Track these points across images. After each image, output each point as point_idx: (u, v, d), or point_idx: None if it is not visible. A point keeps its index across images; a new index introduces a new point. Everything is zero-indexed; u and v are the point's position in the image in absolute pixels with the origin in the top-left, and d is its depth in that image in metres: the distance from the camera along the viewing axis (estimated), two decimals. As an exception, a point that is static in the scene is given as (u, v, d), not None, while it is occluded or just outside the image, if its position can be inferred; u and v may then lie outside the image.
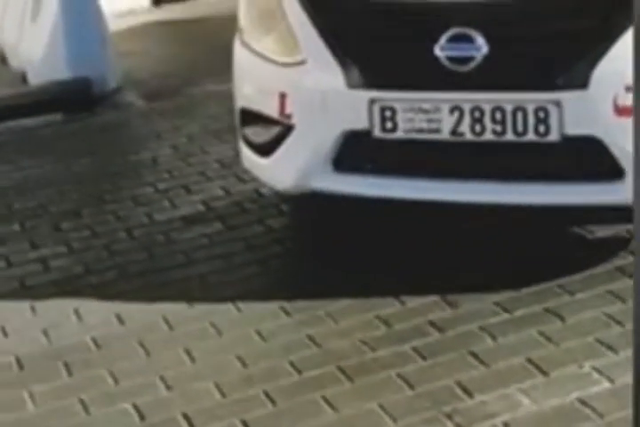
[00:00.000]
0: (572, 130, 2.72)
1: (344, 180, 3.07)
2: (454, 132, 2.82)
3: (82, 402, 2.63)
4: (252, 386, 2.63)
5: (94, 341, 2.92)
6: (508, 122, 2.76)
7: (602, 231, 3.25)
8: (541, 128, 2.74)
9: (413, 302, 2.96)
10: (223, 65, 5.88)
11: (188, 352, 2.82)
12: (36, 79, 5.49)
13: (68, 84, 5.03)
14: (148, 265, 3.38)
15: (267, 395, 2.59)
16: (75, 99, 5.05)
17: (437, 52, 2.79)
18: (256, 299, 3.08)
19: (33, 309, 3.16)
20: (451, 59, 2.79)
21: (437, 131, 2.83)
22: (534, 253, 3.18)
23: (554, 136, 2.74)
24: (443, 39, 2.79)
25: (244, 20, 3.34)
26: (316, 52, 2.99)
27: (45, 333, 3.00)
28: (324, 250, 3.41)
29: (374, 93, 2.88)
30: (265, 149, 3.22)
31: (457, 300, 2.96)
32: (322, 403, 2.53)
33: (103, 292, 3.23)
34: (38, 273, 3.40)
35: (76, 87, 5.04)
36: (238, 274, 3.29)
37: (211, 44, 6.44)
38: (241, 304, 3.05)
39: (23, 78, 5.75)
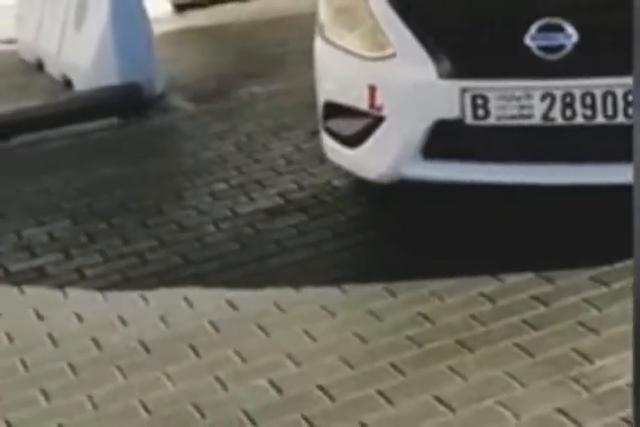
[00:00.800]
0: (664, 112, 2.92)
1: (434, 167, 3.24)
2: (546, 117, 2.99)
3: (218, 380, 2.80)
4: (377, 359, 2.80)
5: (212, 324, 3.08)
6: (597, 106, 2.94)
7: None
8: (630, 111, 2.92)
9: (511, 279, 3.13)
10: (261, 68, 6.15)
11: (307, 332, 2.98)
12: (82, 85, 5.62)
13: (121, 88, 5.18)
14: (243, 255, 3.54)
15: (394, 367, 2.75)
16: (128, 103, 5.20)
17: (528, 41, 2.96)
18: (359, 282, 3.25)
19: (144, 298, 3.31)
20: (541, 48, 2.96)
21: (529, 117, 3.01)
22: (619, 230, 3.36)
23: (644, 118, 2.93)
24: (533, 29, 2.96)
25: (325, 17, 3.51)
26: (405, 46, 3.16)
27: (163, 319, 3.15)
28: (410, 236, 3.54)
29: (466, 83, 3.05)
30: (353, 141, 3.39)
31: (553, 276, 3.15)
32: (449, 372, 2.69)
33: (207, 281, 3.38)
34: (137, 266, 3.55)
35: (129, 92, 5.19)
36: (332, 260, 3.45)
37: (240, 49, 6.63)
38: (346, 287, 3.21)
39: (66, 85, 5.90)
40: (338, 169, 4.17)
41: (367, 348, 2.86)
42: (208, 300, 3.24)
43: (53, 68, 6.17)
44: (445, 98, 3.07)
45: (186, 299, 3.26)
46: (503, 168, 3.11)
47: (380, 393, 2.64)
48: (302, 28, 7.02)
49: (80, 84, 5.67)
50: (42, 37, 6.33)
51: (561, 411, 2.48)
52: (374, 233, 3.63)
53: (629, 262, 3.14)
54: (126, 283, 3.44)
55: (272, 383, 2.74)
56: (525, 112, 3.00)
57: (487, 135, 3.09)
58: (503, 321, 2.90)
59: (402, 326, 2.95)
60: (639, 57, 1.82)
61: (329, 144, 3.54)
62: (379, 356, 2.80)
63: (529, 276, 3.14)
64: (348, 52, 3.33)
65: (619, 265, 3.11)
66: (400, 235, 3.59)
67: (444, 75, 3.07)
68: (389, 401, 2.60)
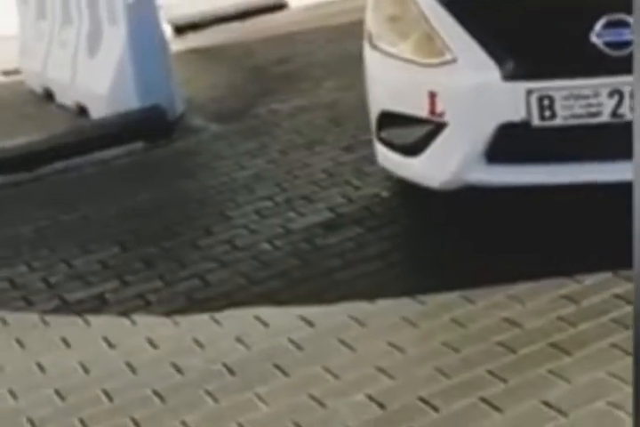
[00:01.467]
0: None
1: (499, 171, 3.20)
2: (615, 114, 2.97)
3: (313, 398, 2.74)
4: (472, 367, 2.75)
5: (292, 342, 3.02)
6: (668, 100, 2.93)
7: None
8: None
9: (589, 279, 3.12)
10: (272, 85, 6.12)
11: (392, 344, 2.92)
12: (99, 112, 5.56)
13: (144, 112, 5.12)
14: (307, 271, 3.49)
15: (492, 374, 2.70)
16: (152, 127, 5.14)
17: (594, 38, 2.95)
18: (433, 291, 3.20)
19: (215, 320, 3.24)
20: (608, 44, 2.94)
21: (597, 114, 2.99)
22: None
23: None
24: (598, 26, 2.95)
25: (374, 26, 3.47)
26: (466, 50, 3.13)
27: (240, 340, 3.09)
28: (474, 240, 3.49)
29: (531, 84, 3.02)
30: (413, 149, 3.34)
31: (630, 274, 3.12)
32: (551, 376, 2.64)
33: (275, 299, 3.32)
34: (201, 288, 3.49)
35: (152, 115, 5.13)
36: (399, 271, 3.42)
37: (246, 68, 6.59)
38: (421, 297, 3.17)
39: (80, 113, 5.84)
40: (383, 180, 4.17)
41: (460, 356, 2.81)
42: (281, 318, 3.19)
43: (65, 97, 6.10)
44: (511, 100, 3.03)
45: (258, 318, 3.20)
46: (570, 168, 3.09)
47: (485, 401, 2.60)
48: (301, 45, 7.06)
49: (96, 111, 5.60)
50: (50, 66, 6.26)
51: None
52: (433, 242, 3.58)
53: None
54: (193, 306, 3.38)
55: (371, 398, 2.69)
56: (593, 110, 2.97)
57: (554, 136, 3.06)
58: (592, 322, 2.88)
59: (489, 333, 2.91)
60: (639, 58, 1.87)
61: (385, 154, 3.50)
62: (474, 364, 2.76)
63: (606, 276, 3.12)
64: (402, 59, 3.29)
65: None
66: (461, 241, 3.54)
67: (508, 77, 3.04)
68: (496, 408, 2.57)
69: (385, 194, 4.06)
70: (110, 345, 3.21)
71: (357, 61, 6.24)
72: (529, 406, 2.55)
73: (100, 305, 3.49)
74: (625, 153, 3.13)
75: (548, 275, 3.14)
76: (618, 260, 3.15)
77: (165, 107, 5.28)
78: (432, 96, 3.16)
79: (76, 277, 3.73)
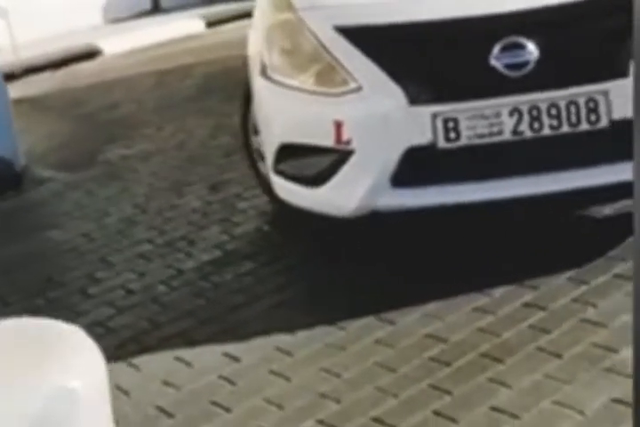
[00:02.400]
0: (619, 115, 3.13)
1: (408, 194, 3.28)
2: (515, 132, 3.13)
3: None
4: (413, 384, 2.80)
5: (224, 378, 2.96)
6: (562, 116, 3.12)
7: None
8: (592, 117, 3.13)
9: (498, 292, 3.22)
10: (110, 132, 6.03)
11: (328, 370, 2.94)
12: None
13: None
14: (214, 309, 3.44)
15: (434, 387, 2.77)
16: (1, 178, 4.97)
17: (493, 61, 3.11)
18: (350, 316, 3.23)
19: (133, 366, 3.14)
20: (506, 66, 3.11)
21: (499, 133, 3.14)
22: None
23: (604, 123, 3.13)
24: (496, 49, 3.11)
25: (269, 58, 3.49)
26: (371, 78, 3.21)
27: (167, 383, 2.99)
28: (370, 266, 3.55)
29: (437, 107, 3.15)
30: (317, 179, 3.39)
31: (534, 284, 3.26)
32: (493, 384, 2.74)
33: (190, 339, 3.25)
34: (104, 335, 3.36)
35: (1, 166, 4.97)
36: (305, 301, 3.42)
37: (76, 116, 6.48)
38: (341, 323, 3.18)
39: None
40: (259, 215, 4.21)
41: (397, 375, 2.86)
42: (204, 356, 3.14)
43: None
44: (417, 124, 3.14)
45: (179, 359, 3.15)
46: (476, 186, 3.21)
47: (438, 413, 2.65)
48: (125, 92, 7.00)
49: None
50: None
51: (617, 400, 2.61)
52: (333, 269, 3.62)
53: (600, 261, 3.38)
54: (104, 354, 3.28)
55: (323, 423, 2.69)
56: (495, 129, 3.13)
57: (459, 156, 3.18)
58: (512, 330, 3.01)
59: (418, 350, 3.00)
60: (639, 59, 1.90)
61: (284, 186, 3.52)
62: (414, 380, 2.81)
63: (512, 287, 3.27)
64: (303, 90, 3.34)
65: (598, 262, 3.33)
66: (361, 267, 3.59)
67: (414, 101, 3.15)
68: (451, 419, 2.62)
69: (266, 228, 4.10)
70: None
71: (190, 105, 6.37)
72: (481, 414, 2.64)
73: None
74: (525, 169, 3.32)
75: (458, 291, 3.28)
76: (520, 272, 3.35)
77: (9, 158, 5.12)
78: (338, 125, 3.22)
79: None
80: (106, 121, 6.20)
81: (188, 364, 3.12)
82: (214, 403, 2.88)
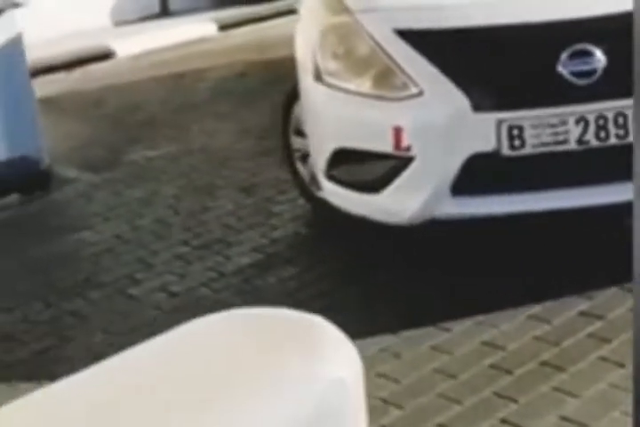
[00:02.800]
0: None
1: (468, 202, 3.26)
2: (580, 141, 3.12)
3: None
4: (477, 392, 2.80)
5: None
6: (629, 125, 3.09)
7: None
8: (657, 127, 3.12)
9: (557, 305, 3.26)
10: (134, 133, 5.98)
11: (384, 375, 2.93)
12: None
13: (16, 162, 4.88)
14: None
15: (498, 395, 2.77)
16: (26, 178, 4.91)
17: (560, 68, 3.10)
18: (406, 324, 3.25)
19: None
20: (573, 74, 3.10)
21: (564, 142, 3.13)
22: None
23: (671, 132, 3.13)
24: (563, 56, 3.10)
25: (323, 61, 3.44)
26: (433, 83, 3.19)
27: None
28: (416, 270, 3.56)
29: (502, 114, 3.12)
30: (374, 186, 3.34)
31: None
32: (558, 394, 2.74)
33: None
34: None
35: (25, 166, 4.91)
36: (353, 308, 3.43)
37: (97, 117, 6.37)
38: (396, 330, 3.21)
39: None
40: (295, 219, 4.19)
41: (459, 382, 2.85)
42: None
43: None
44: (481, 131, 3.12)
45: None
46: (538, 196, 3.19)
47: (506, 422, 2.64)
48: (145, 93, 6.95)
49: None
50: None
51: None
52: (380, 274, 3.58)
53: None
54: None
55: (389, 430, 2.71)
56: (560, 138, 3.12)
57: (523, 165, 3.16)
58: (571, 338, 2.99)
59: (476, 357, 2.98)
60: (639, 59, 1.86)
61: (337, 193, 3.48)
62: (477, 388, 2.81)
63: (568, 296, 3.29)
64: (360, 94, 3.31)
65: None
66: (404, 273, 3.57)
67: (479, 108, 3.12)
68: None
69: (304, 231, 4.08)
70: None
71: (207, 109, 6.34)
72: (550, 423, 2.64)
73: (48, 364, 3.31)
74: (590, 178, 3.30)
75: (511, 300, 3.27)
76: (575, 282, 3.30)
77: (35, 157, 5.08)
78: (397, 131, 3.18)
79: (5, 337, 3.52)
80: (126, 122, 6.15)
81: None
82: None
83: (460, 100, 3.14)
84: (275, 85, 6.70)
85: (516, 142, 3.13)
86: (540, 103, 3.12)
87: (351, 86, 3.35)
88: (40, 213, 4.78)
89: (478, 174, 3.19)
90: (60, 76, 7.73)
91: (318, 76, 3.47)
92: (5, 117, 5.00)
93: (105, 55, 7.98)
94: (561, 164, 3.16)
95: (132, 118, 6.26)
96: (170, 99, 6.69)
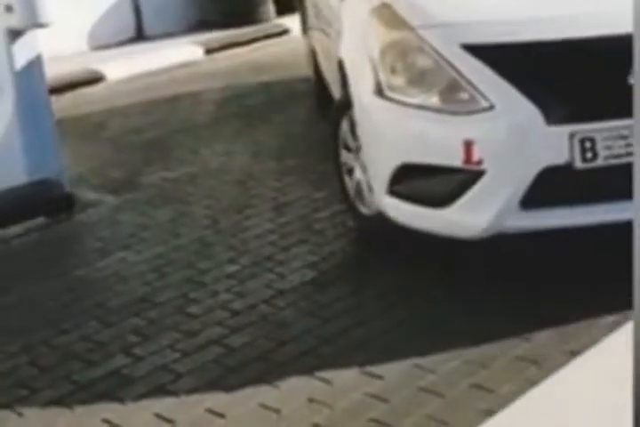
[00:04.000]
0: None
1: (538, 215, 3.31)
2: (653, 152, 3.19)
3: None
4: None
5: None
6: None
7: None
8: None
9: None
10: (145, 155, 5.95)
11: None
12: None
13: (41, 185, 4.83)
14: (328, 329, 3.44)
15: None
16: (51, 201, 4.86)
17: (631, 80, 3.11)
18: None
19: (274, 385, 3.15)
20: None
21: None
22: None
23: None
24: (634, 68, 3.15)
25: (387, 78, 3.48)
26: (504, 97, 3.24)
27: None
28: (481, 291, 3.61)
29: (575, 127, 3.19)
30: (442, 200, 3.38)
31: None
32: None
33: (323, 356, 3.28)
34: (226, 355, 3.37)
35: (49, 189, 4.85)
36: (417, 326, 3.47)
37: (104, 139, 6.36)
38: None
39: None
40: (339, 236, 4.20)
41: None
42: (341, 374, 3.11)
43: None
44: (554, 144, 3.18)
45: (319, 377, 3.12)
46: (608, 207, 3.26)
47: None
48: (144, 116, 6.92)
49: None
50: None
51: None
52: (439, 291, 3.61)
53: None
54: (236, 374, 3.25)
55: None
56: (632, 150, 3.17)
57: (595, 177, 3.23)
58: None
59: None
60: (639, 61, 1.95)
61: (401, 208, 3.50)
62: None
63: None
64: (427, 109, 3.35)
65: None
66: (474, 288, 3.60)
67: (552, 121, 3.18)
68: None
69: (349, 249, 4.10)
70: None
71: (209, 131, 6.33)
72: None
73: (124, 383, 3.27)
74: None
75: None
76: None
77: (58, 180, 5.02)
78: (468, 144, 3.23)
79: (73, 357, 3.46)
80: (133, 145, 6.11)
81: (327, 382, 3.10)
82: (372, 420, 2.88)
83: (532, 113, 3.20)
84: (275, 107, 6.76)
85: (589, 155, 3.20)
86: (611, 115, 3.18)
87: (417, 101, 3.39)
88: (70, 235, 4.74)
89: (550, 187, 3.25)
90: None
91: (380, 92, 3.50)
92: (27, 140, 4.95)
93: (95, 79, 7.97)
94: (632, 175, 3.21)
95: (138, 141, 6.24)
96: (170, 121, 6.68)
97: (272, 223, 4.47)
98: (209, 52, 8.51)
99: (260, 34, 8.92)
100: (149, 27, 9.94)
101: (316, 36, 5.88)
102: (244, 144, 5.85)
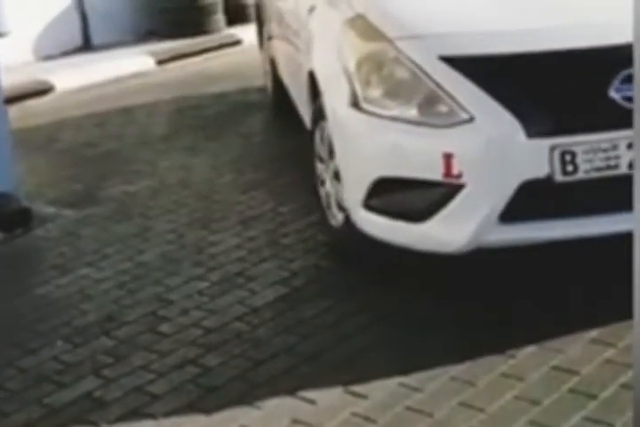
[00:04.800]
0: None
1: (518, 229, 3.25)
2: (632, 165, 3.13)
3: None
4: None
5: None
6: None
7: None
8: None
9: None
10: (103, 169, 5.80)
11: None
12: None
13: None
14: (305, 347, 3.34)
15: None
16: (7, 215, 4.71)
17: (612, 93, 3.15)
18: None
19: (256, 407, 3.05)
20: (626, 98, 3.13)
21: (616, 167, 3.18)
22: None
23: None
24: (616, 81, 3.14)
25: (363, 90, 3.40)
26: (485, 109, 3.19)
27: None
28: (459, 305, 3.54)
29: (555, 140, 3.15)
30: (421, 214, 3.31)
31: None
32: None
33: (307, 374, 3.19)
34: (202, 375, 3.26)
35: (6, 203, 4.71)
36: (407, 338, 3.41)
37: (56, 152, 6.25)
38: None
39: None
40: (308, 251, 4.12)
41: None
42: (327, 394, 3.01)
43: None
44: (534, 157, 3.14)
45: (302, 397, 3.04)
46: (590, 221, 3.23)
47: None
48: (97, 129, 6.78)
49: None
50: None
51: None
52: (414, 306, 3.53)
53: None
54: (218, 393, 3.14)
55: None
56: (612, 163, 3.17)
57: (575, 190, 3.19)
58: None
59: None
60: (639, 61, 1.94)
61: (377, 222, 3.43)
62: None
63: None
64: (405, 122, 3.27)
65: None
66: (459, 302, 3.54)
67: (532, 134, 3.14)
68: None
69: (324, 264, 4.02)
70: (145, 446, 2.91)
71: (167, 144, 6.21)
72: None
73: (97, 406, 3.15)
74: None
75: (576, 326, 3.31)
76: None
77: (13, 194, 4.87)
78: (447, 158, 3.17)
79: (43, 379, 3.32)
80: (89, 157, 5.97)
81: (311, 402, 3.01)
82: None
83: (512, 126, 3.15)
84: (231, 118, 6.66)
85: (569, 168, 3.17)
86: (592, 128, 3.16)
87: (394, 113, 3.32)
88: (28, 250, 4.59)
89: (530, 201, 3.20)
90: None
91: (356, 104, 3.43)
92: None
93: (44, 90, 7.79)
94: (613, 189, 3.17)
95: (92, 154, 6.10)
96: (125, 133, 6.55)
97: (239, 238, 4.38)
98: (160, 62, 8.40)
99: (212, 44, 8.84)
100: (97, 36, 9.79)
101: (277, 45, 5.80)
102: (203, 157, 5.75)
